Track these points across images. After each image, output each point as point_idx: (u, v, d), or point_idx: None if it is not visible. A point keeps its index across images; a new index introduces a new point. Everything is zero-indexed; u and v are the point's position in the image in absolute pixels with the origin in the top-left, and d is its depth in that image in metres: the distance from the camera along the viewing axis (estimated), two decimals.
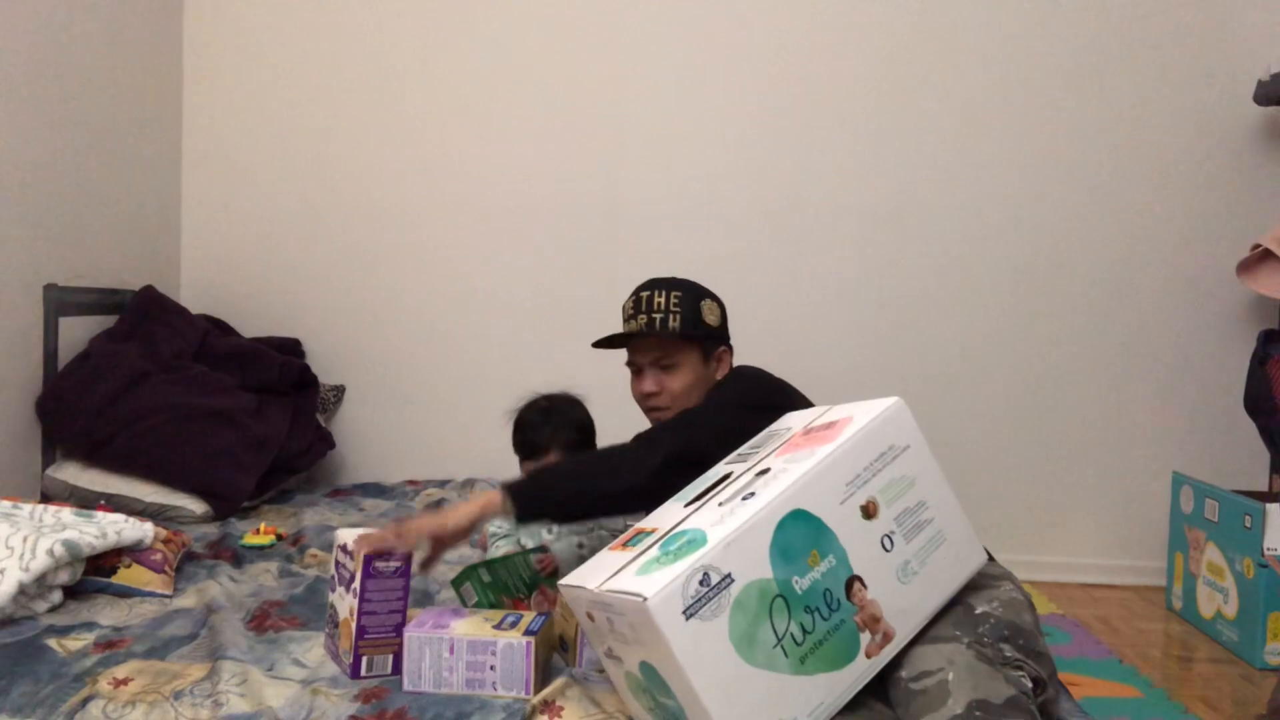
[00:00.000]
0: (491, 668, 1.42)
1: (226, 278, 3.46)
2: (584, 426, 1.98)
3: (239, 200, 3.47)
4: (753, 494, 1.21)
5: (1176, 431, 3.22)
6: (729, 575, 1.12)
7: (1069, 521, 3.25)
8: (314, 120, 3.44)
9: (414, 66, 3.40)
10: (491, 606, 1.68)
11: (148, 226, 3.30)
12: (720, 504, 1.23)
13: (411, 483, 3.15)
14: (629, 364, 1.92)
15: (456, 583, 1.76)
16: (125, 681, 1.49)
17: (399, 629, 1.48)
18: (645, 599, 1.08)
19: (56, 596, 1.83)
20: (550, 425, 1.93)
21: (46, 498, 2.64)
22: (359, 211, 3.43)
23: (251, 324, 3.36)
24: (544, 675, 1.47)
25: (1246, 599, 2.61)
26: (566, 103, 3.36)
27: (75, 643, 1.66)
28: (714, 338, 1.90)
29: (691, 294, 1.86)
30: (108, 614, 1.82)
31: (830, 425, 1.33)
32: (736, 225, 3.30)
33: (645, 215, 3.34)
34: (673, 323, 1.81)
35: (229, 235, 3.48)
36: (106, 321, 2.99)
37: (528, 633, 1.43)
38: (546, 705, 1.40)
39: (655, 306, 1.83)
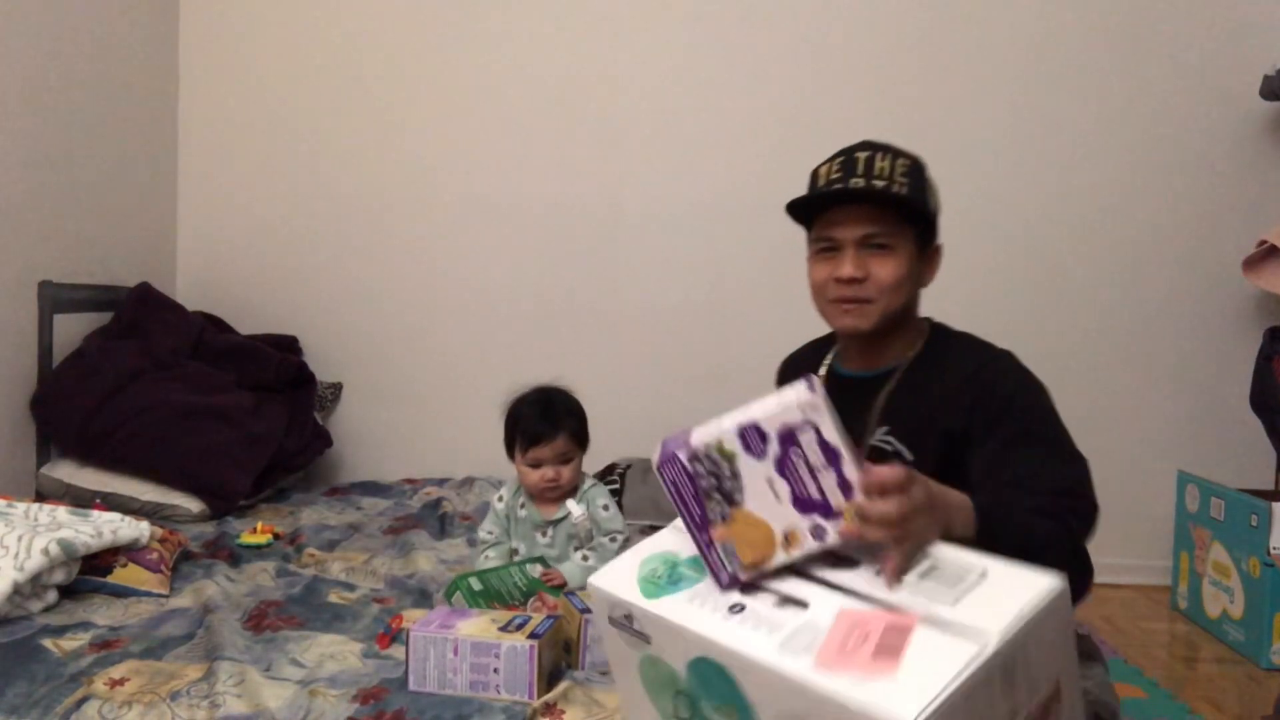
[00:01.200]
0: (495, 670, 1.42)
1: (222, 274, 3.45)
2: (581, 412, 1.96)
3: (235, 197, 3.46)
4: (741, 607, 1.00)
5: (1182, 429, 3.21)
6: (647, 637, 1.06)
7: None
8: (311, 116, 3.43)
9: (412, 63, 3.39)
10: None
11: (143, 223, 3.29)
12: (747, 598, 1.02)
13: (409, 481, 3.15)
14: (818, 240, 1.48)
15: (447, 593, 1.75)
16: (121, 682, 1.48)
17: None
18: (595, 581, 1.13)
19: (52, 596, 1.82)
20: (556, 411, 1.91)
21: (41, 496, 2.63)
22: (356, 208, 3.42)
23: (248, 321, 3.35)
24: (551, 679, 1.46)
25: (1252, 598, 2.61)
26: (566, 100, 3.35)
27: (71, 643, 1.65)
28: (933, 227, 1.48)
29: (918, 167, 1.45)
30: (103, 614, 1.81)
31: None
32: (738, 223, 3.29)
33: (645, 213, 3.33)
34: (900, 189, 1.40)
35: (225, 232, 3.47)
36: (102, 319, 2.98)
37: (532, 636, 1.43)
38: (548, 708, 1.39)
39: (877, 171, 1.40)
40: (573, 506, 1.92)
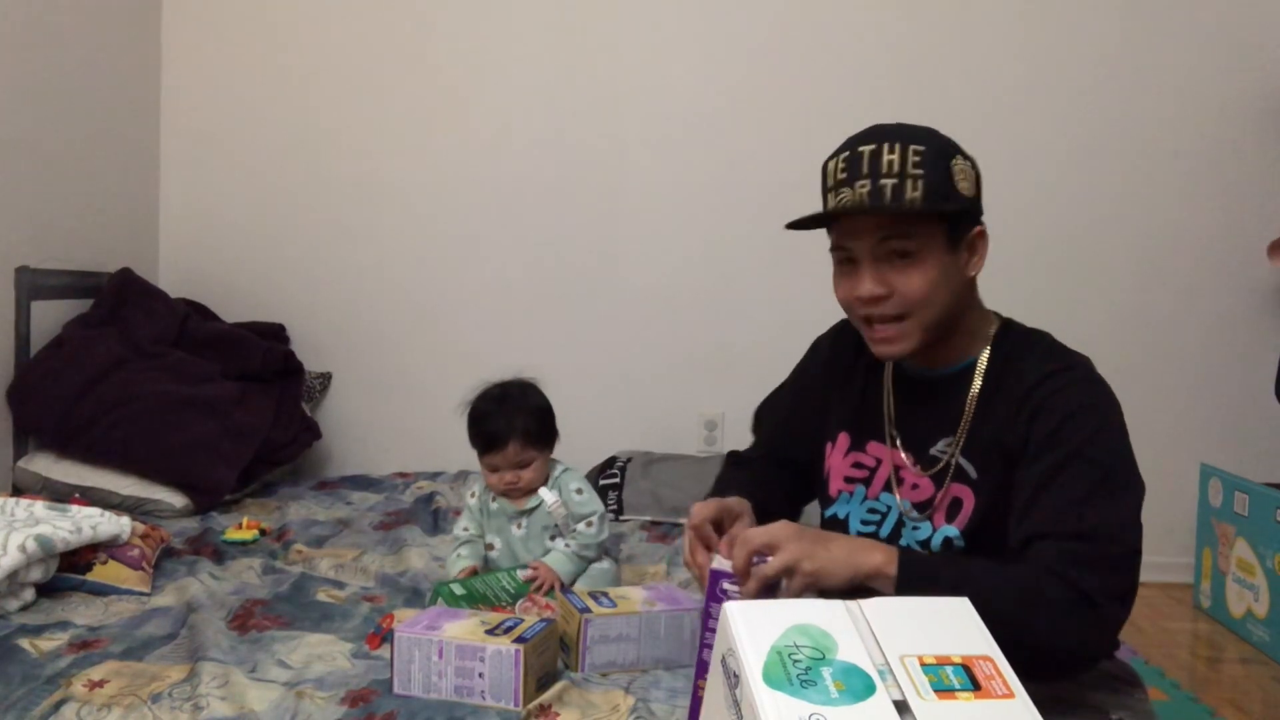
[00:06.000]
0: (480, 675, 1.41)
1: (207, 260, 3.45)
2: (542, 412, 1.96)
3: (220, 179, 3.45)
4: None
5: (1205, 421, 3.20)
6: (738, 708, 0.97)
7: None
8: (298, 96, 3.41)
9: (401, 41, 3.37)
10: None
11: (124, 206, 3.28)
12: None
13: (401, 475, 3.15)
14: (836, 250, 1.36)
15: (430, 604, 1.76)
16: (101, 684, 1.48)
17: None
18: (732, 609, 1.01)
19: (29, 594, 1.82)
20: (507, 413, 1.91)
21: (18, 491, 2.63)
22: (345, 191, 3.41)
23: (233, 308, 3.35)
24: (542, 683, 1.45)
25: (1278, 597, 2.61)
26: (563, 81, 3.33)
27: (48, 643, 1.65)
28: (968, 213, 1.33)
29: (937, 149, 1.29)
30: (82, 613, 1.81)
31: None
32: (739, 207, 3.28)
33: (643, 198, 3.32)
34: (911, 191, 1.25)
35: (209, 216, 3.46)
36: (81, 306, 2.98)
37: (519, 640, 1.42)
38: (543, 710, 1.39)
39: (885, 168, 1.26)
40: (545, 495, 1.93)
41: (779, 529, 1.20)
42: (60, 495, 2.50)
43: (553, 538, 1.94)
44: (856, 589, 1.17)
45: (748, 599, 1.17)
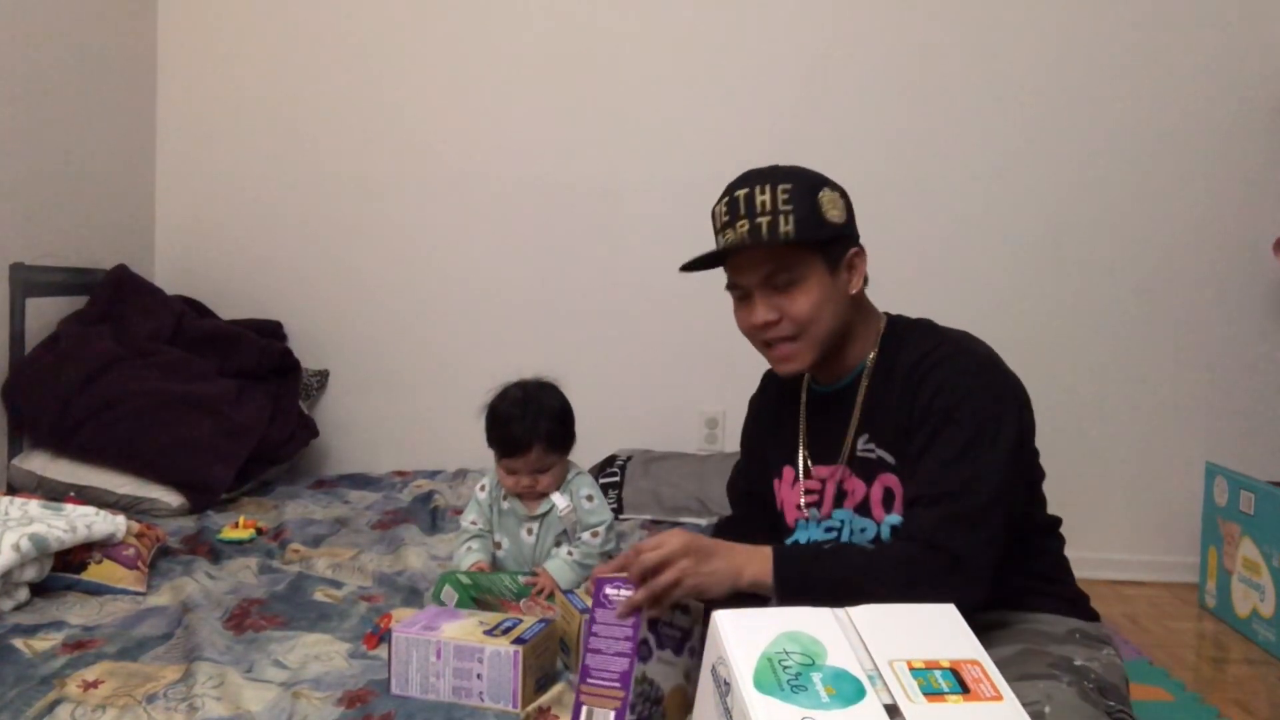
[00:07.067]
0: (479, 676, 1.41)
1: (203, 256, 3.44)
2: (563, 414, 1.95)
3: (216, 175, 3.44)
4: None
5: (1210, 419, 3.19)
6: (730, 714, 1.02)
7: (1096, 514, 3.24)
8: (295, 93, 3.41)
9: (399, 38, 3.37)
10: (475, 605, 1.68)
11: (120, 202, 3.28)
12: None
13: (399, 473, 3.15)
14: (730, 288, 1.53)
15: (435, 591, 1.75)
16: (95, 684, 1.49)
17: (624, 678, 1.24)
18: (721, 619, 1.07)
19: (23, 594, 1.83)
20: (529, 417, 1.89)
21: (12, 489, 2.63)
22: (343, 187, 3.40)
23: (230, 305, 3.34)
24: (540, 684, 1.45)
25: None
26: (562, 77, 3.32)
27: (42, 643, 1.65)
28: (842, 238, 1.48)
29: (805, 184, 1.46)
30: (77, 613, 1.81)
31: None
32: None
33: (643, 196, 3.31)
34: (784, 225, 1.41)
35: (206, 212, 3.45)
36: (76, 303, 2.98)
37: (518, 641, 1.41)
38: (541, 712, 1.39)
39: (759, 208, 1.43)
40: (557, 499, 1.92)
41: (670, 543, 1.29)
42: (55, 494, 2.50)
43: (559, 544, 1.93)
44: (741, 596, 1.30)
45: (633, 605, 1.25)
